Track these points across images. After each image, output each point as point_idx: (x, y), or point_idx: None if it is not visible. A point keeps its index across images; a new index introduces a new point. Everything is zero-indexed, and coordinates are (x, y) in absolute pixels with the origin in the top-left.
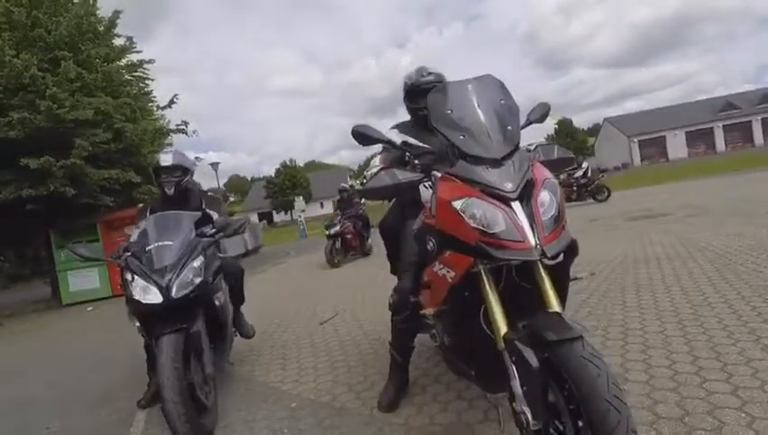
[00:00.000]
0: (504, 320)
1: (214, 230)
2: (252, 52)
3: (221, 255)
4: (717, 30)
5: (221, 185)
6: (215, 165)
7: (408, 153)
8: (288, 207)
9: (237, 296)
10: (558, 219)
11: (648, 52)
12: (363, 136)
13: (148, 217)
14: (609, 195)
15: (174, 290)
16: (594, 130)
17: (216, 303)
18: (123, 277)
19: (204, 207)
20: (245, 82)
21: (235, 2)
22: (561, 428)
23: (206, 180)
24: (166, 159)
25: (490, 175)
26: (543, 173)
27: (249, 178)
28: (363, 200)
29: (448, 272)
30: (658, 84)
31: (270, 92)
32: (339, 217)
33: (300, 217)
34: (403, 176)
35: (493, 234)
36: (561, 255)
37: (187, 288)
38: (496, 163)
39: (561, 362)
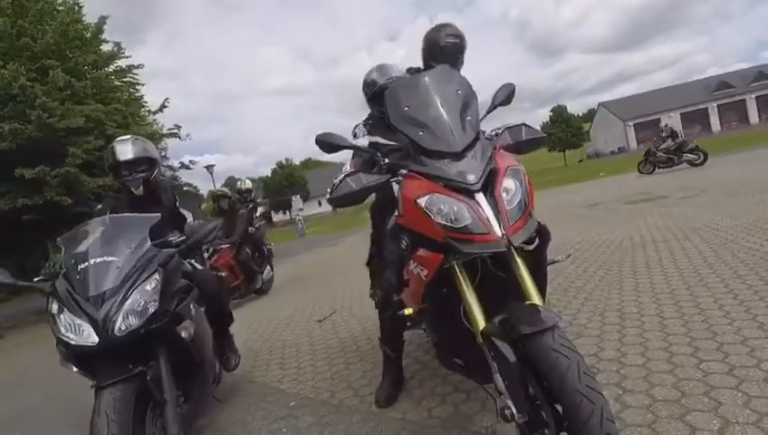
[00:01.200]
0: (482, 315)
1: (182, 238)
2: (244, 52)
3: (200, 267)
4: (709, 9)
5: (217, 187)
6: (210, 167)
7: (377, 153)
8: (286, 206)
9: (220, 316)
10: (523, 206)
11: (640, 35)
12: (327, 144)
13: (92, 221)
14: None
15: (116, 325)
16: (590, 116)
17: (184, 335)
18: (48, 309)
19: (177, 205)
20: (239, 82)
21: (225, 3)
22: (546, 419)
23: (202, 184)
24: (124, 151)
25: (452, 168)
26: (506, 160)
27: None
28: (259, 212)
29: (422, 270)
30: (653, 67)
31: (264, 92)
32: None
33: (298, 216)
34: (368, 179)
35: (459, 228)
36: (537, 240)
37: (137, 320)
38: (458, 156)
39: (533, 354)
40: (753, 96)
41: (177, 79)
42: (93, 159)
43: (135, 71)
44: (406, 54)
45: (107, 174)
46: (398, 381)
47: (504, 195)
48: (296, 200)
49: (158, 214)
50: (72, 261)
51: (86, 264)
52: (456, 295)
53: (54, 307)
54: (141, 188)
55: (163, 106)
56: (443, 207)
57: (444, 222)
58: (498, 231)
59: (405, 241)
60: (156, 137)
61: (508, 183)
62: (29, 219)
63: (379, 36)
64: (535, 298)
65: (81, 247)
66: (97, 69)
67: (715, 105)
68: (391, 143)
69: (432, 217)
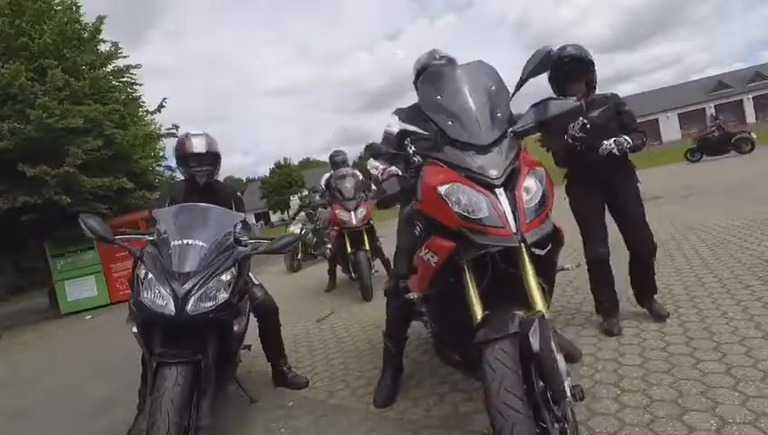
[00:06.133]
0: (481, 312)
1: (254, 240)
2: (243, 51)
3: (257, 283)
4: (707, 9)
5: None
6: None
7: (409, 147)
8: (284, 206)
9: (275, 343)
10: (541, 207)
11: (638, 34)
12: (374, 151)
13: (189, 205)
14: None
15: (191, 303)
16: None
17: (236, 328)
18: (135, 272)
19: (233, 208)
20: (238, 82)
21: (223, 2)
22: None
23: None
24: (198, 145)
25: (476, 161)
26: (530, 161)
27: (244, 180)
28: None
29: (432, 257)
30: (651, 67)
31: (263, 91)
32: None
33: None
34: (408, 183)
35: (475, 219)
36: (550, 244)
37: (209, 304)
38: (483, 149)
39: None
40: (750, 96)
41: (178, 78)
42: (91, 159)
43: (133, 70)
44: (406, 54)
45: (105, 174)
46: (397, 379)
47: (524, 194)
48: (294, 200)
49: (242, 214)
50: (165, 235)
51: (179, 242)
52: (462, 289)
53: (142, 272)
54: (205, 179)
55: (161, 106)
56: (461, 197)
57: (461, 211)
58: (513, 227)
59: (419, 227)
60: (154, 137)
61: (529, 183)
62: (29, 219)
63: (379, 36)
64: (537, 301)
65: (176, 225)
66: (95, 69)
67: (712, 105)
68: (421, 132)
69: (450, 205)
